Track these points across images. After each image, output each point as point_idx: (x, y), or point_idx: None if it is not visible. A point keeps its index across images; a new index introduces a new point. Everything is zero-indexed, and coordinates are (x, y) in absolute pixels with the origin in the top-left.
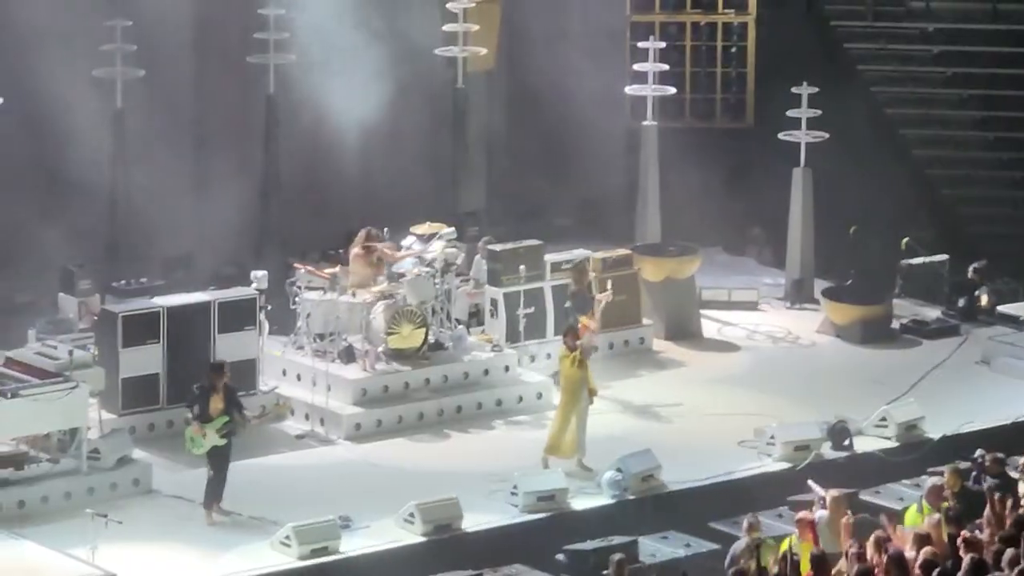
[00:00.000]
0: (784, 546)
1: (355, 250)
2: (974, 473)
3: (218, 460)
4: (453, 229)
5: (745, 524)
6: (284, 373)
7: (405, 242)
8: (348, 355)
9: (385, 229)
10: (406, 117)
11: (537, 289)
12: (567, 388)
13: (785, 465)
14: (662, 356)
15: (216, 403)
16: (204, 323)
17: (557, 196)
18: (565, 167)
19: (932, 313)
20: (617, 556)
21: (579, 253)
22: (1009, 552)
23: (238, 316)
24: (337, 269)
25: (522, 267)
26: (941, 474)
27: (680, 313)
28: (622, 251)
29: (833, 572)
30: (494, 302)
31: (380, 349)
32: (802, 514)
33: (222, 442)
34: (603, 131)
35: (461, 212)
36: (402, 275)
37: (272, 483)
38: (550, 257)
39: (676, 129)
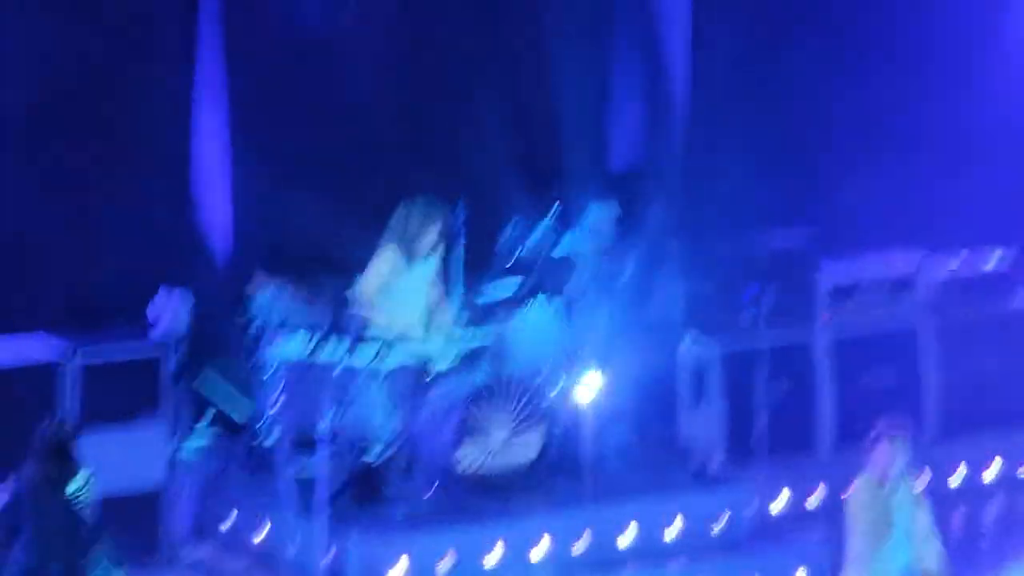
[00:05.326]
0: None
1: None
2: None
3: None
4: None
5: None
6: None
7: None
8: (367, 488)
9: (457, 202)
10: None
11: (796, 349)
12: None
13: None
14: None
15: None
16: (45, 407)
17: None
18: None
19: None
20: None
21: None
22: None
23: (120, 394)
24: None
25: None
26: None
27: None
28: None
29: None
30: (699, 372)
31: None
32: None
33: None
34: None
35: (620, 174)
36: (499, 304)
37: None
38: (833, 270)
39: None
